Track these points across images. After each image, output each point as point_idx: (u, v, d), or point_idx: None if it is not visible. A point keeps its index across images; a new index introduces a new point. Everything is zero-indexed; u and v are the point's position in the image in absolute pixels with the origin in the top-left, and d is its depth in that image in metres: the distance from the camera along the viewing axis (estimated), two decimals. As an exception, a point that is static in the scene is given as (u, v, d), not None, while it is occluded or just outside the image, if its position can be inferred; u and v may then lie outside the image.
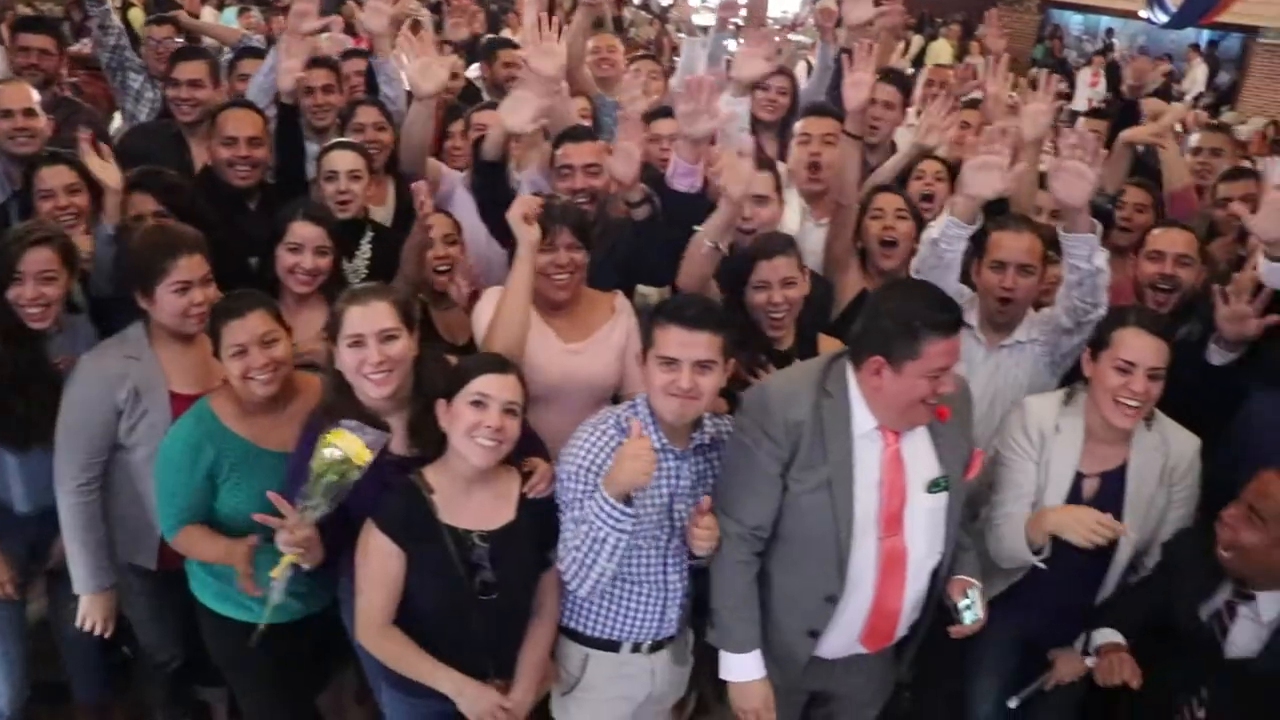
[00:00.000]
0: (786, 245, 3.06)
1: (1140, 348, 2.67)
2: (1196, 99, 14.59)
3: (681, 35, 8.35)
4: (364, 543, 2.44)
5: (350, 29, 6.83)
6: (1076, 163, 2.86)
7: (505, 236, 2.98)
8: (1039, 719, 3.07)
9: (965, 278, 3.24)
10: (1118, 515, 2.60)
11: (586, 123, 4.00)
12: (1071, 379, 3.06)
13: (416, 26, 5.03)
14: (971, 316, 3.18)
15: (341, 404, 2.52)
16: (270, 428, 2.66)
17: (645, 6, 13.31)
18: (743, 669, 2.58)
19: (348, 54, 4.87)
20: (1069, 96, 13.10)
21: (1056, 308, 3.11)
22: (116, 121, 4.93)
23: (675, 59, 7.05)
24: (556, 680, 2.69)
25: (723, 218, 2.92)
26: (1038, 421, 2.85)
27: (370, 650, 2.51)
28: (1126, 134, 4.50)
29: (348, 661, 3.08)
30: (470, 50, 5.95)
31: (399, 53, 3.96)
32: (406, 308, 2.57)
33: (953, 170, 3.66)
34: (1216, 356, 3.09)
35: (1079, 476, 2.82)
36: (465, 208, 3.64)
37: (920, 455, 2.49)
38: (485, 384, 2.39)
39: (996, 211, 3.30)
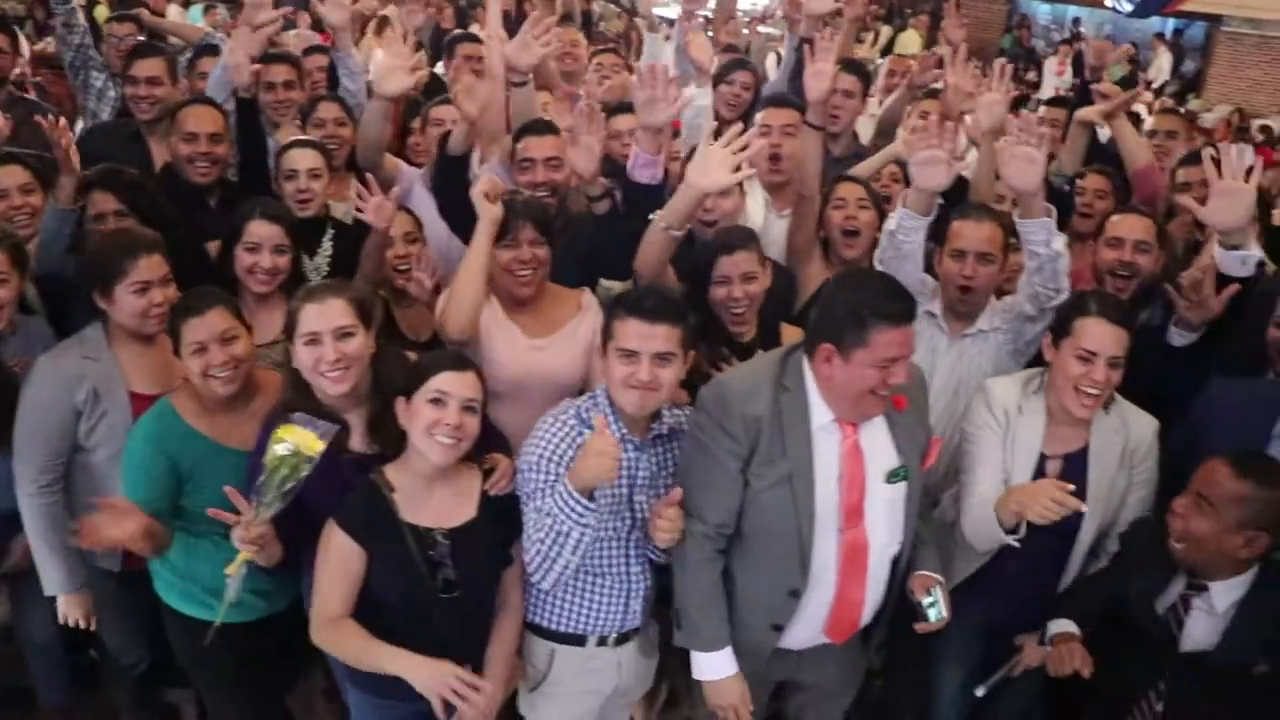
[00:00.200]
0: (748, 239, 3.06)
1: (1101, 335, 2.68)
2: (1162, 87, 14.73)
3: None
4: (325, 541, 2.43)
5: (318, 25, 6.79)
6: (1025, 148, 2.88)
7: (466, 233, 2.97)
8: (1004, 705, 3.09)
9: (931, 268, 3.24)
10: (1081, 497, 2.60)
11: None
12: (1035, 366, 3.07)
13: (383, 24, 5.02)
14: (934, 305, 3.20)
15: (301, 401, 2.51)
16: (232, 426, 2.65)
17: (614, 0, 13.26)
18: (714, 667, 2.57)
19: (310, 50, 4.83)
20: (1037, 85, 13.20)
21: (1019, 295, 3.12)
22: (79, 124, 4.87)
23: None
24: (523, 677, 2.69)
25: (682, 203, 2.88)
26: (1002, 402, 2.85)
27: (324, 647, 2.49)
28: (1081, 113, 4.50)
29: (316, 660, 3.06)
30: (435, 44, 5.93)
31: (373, 49, 3.93)
32: (363, 305, 2.56)
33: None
34: (1178, 338, 3.11)
35: (1043, 458, 2.82)
36: (424, 205, 3.61)
37: (879, 446, 2.49)
38: (444, 381, 2.38)
39: (956, 201, 3.31)
